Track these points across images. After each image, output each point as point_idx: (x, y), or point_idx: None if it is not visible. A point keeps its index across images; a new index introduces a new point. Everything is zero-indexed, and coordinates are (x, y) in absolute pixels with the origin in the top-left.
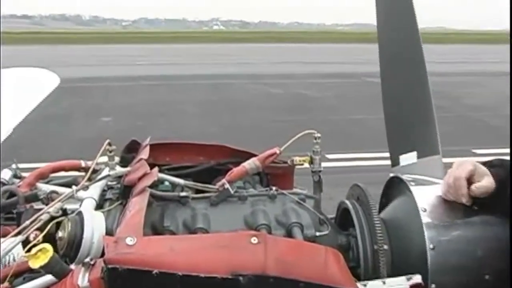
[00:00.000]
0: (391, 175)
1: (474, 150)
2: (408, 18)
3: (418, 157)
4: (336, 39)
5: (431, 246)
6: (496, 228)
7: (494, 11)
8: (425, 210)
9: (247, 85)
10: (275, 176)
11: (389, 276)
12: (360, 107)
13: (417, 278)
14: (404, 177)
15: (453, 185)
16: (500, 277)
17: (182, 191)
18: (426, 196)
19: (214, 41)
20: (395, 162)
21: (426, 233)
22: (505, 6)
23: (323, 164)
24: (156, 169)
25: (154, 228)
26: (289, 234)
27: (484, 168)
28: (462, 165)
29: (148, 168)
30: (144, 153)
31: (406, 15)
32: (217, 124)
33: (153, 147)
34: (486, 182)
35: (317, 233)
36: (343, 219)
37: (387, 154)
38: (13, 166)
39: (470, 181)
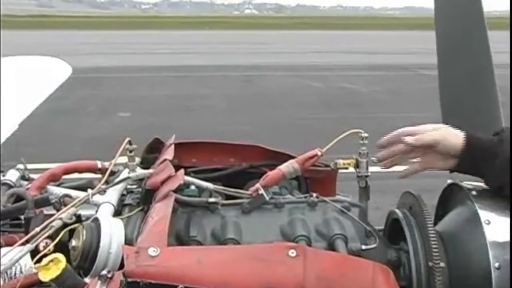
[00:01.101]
0: (449, 181)
1: None
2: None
3: None
4: (385, 25)
5: (496, 265)
6: None
7: None
8: (488, 223)
9: (282, 78)
10: (316, 181)
11: None
12: (413, 103)
13: None
14: (464, 184)
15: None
16: None
17: (210, 196)
18: (490, 207)
19: (245, 27)
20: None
21: (490, 250)
22: None
23: (370, 169)
24: (182, 171)
25: (179, 237)
26: (331, 247)
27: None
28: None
29: (173, 170)
30: (168, 154)
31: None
32: (249, 121)
33: (178, 146)
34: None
35: (363, 247)
36: (393, 232)
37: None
38: (21, 166)
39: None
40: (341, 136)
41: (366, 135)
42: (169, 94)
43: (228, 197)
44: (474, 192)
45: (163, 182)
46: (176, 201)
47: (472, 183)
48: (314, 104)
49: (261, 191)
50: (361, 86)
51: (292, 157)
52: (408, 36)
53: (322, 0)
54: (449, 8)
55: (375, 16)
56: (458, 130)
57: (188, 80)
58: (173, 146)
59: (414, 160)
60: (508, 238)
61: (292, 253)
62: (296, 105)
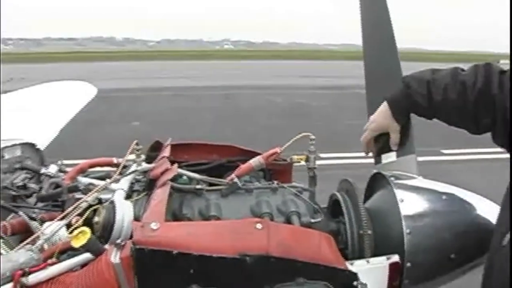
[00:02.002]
0: (374, 171)
1: (442, 151)
2: (388, 40)
3: (397, 156)
4: (328, 56)
5: (408, 231)
6: (458, 215)
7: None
8: (402, 201)
9: (253, 95)
10: (277, 172)
11: (372, 256)
12: (351, 114)
13: (395, 258)
14: (385, 173)
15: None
16: (462, 256)
17: (198, 184)
18: (403, 189)
19: (225, 58)
20: (377, 161)
21: (403, 220)
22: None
23: (318, 162)
24: (176, 165)
25: (174, 215)
26: (288, 221)
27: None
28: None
29: (169, 164)
30: (166, 152)
31: (386, 37)
32: (229, 127)
33: (173, 146)
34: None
35: (312, 220)
36: (334, 209)
37: (371, 154)
38: (59, 162)
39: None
40: (295, 138)
41: (313, 137)
42: (168, 108)
43: (211, 184)
44: (392, 178)
45: (162, 173)
46: (172, 188)
47: (392, 172)
48: (277, 115)
49: (236, 180)
50: (312, 101)
51: (258, 154)
52: (345, 64)
53: (281, 38)
54: (372, 45)
55: (320, 49)
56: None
57: (182, 98)
58: (169, 146)
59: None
60: (416, 210)
61: (259, 226)
62: (263, 115)
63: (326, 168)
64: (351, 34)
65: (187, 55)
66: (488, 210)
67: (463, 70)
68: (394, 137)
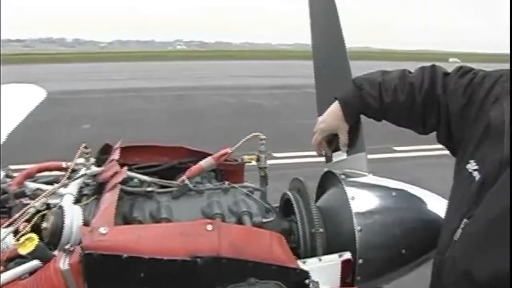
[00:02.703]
0: (325, 169)
1: (394, 148)
2: (337, 39)
3: (348, 155)
4: (280, 56)
5: (359, 228)
6: (408, 211)
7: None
8: (353, 199)
9: (206, 96)
10: (228, 172)
11: (325, 254)
12: (302, 113)
13: (347, 255)
14: (336, 171)
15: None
16: (413, 251)
17: (148, 186)
18: (354, 187)
19: (177, 58)
20: (328, 159)
21: (354, 218)
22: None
23: (271, 162)
24: (125, 168)
25: (125, 218)
26: (240, 221)
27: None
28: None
29: (118, 167)
30: (115, 155)
31: (335, 36)
32: (182, 128)
33: (123, 149)
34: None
35: (264, 220)
36: (286, 208)
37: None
38: (6, 168)
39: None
40: (246, 138)
41: (264, 137)
42: (120, 110)
43: (162, 186)
44: (343, 176)
45: (111, 177)
46: (123, 191)
47: (342, 170)
48: (230, 115)
49: (187, 181)
50: (265, 101)
51: (209, 155)
52: (297, 64)
53: (234, 38)
54: (322, 44)
55: (273, 49)
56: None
57: (134, 99)
58: (119, 149)
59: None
60: (367, 208)
61: (210, 227)
62: (216, 116)
63: (279, 167)
64: (304, 33)
65: (139, 56)
66: (438, 206)
67: (410, 72)
68: (344, 138)
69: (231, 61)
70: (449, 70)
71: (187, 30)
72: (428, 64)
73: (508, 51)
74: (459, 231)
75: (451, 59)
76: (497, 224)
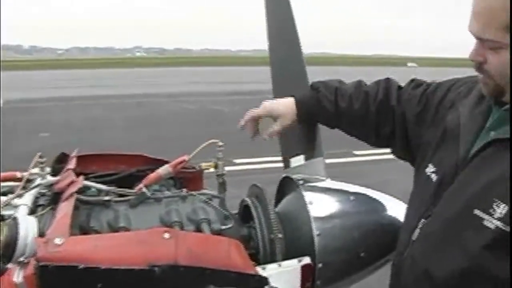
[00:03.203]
0: (284, 175)
1: (354, 152)
2: (293, 45)
3: (305, 160)
4: (240, 62)
5: (317, 232)
6: (366, 215)
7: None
8: (311, 203)
9: (166, 103)
10: (187, 179)
11: (284, 259)
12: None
13: (306, 260)
14: (294, 176)
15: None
16: (372, 254)
17: (106, 195)
18: (312, 191)
19: (137, 65)
20: (286, 165)
21: (312, 222)
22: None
23: (232, 168)
24: (81, 177)
25: (82, 228)
26: (198, 229)
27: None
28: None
29: (74, 176)
30: (71, 164)
31: (291, 43)
32: (142, 136)
33: (80, 158)
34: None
35: (222, 227)
36: (245, 214)
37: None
38: None
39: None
40: (203, 145)
41: (221, 143)
42: (80, 118)
43: (120, 195)
44: (301, 181)
45: (67, 186)
46: (79, 200)
47: (300, 175)
48: (191, 122)
49: (144, 189)
50: (225, 107)
51: (168, 162)
52: (257, 70)
53: (194, 44)
54: (278, 50)
55: (232, 55)
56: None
57: (93, 107)
58: (75, 158)
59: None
60: (325, 212)
61: (167, 235)
62: (177, 123)
63: (240, 173)
64: (263, 39)
65: (97, 63)
66: (396, 209)
67: (365, 84)
68: (277, 128)
69: (191, 68)
70: (408, 74)
71: (147, 37)
72: (386, 67)
73: (463, 56)
74: (417, 230)
75: (409, 64)
76: (454, 223)
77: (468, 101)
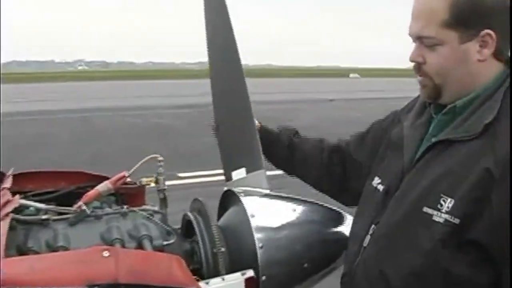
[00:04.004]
0: (225, 188)
1: None
2: (233, 57)
3: (247, 172)
4: (184, 75)
5: (260, 245)
6: (308, 226)
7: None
8: (253, 216)
9: (111, 117)
10: (129, 195)
11: (228, 273)
12: (208, 131)
13: (250, 273)
14: (236, 189)
15: None
16: (315, 264)
17: (45, 214)
18: (254, 204)
19: (80, 79)
20: (228, 178)
21: (255, 235)
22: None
23: (176, 182)
24: (17, 196)
25: (19, 249)
26: (140, 246)
27: None
28: None
29: (10, 196)
30: (7, 182)
31: (231, 55)
32: (86, 151)
33: (17, 176)
34: None
35: (164, 243)
36: (188, 229)
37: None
38: None
39: None
40: (143, 161)
41: (161, 158)
42: (22, 134)
43: (59, 213)
44: (243, 195)
45: (2, 206)
46: (16, 220)
47: (242, 188)
48: (136, 136)
49: (84, 207)
50: (170, 121)
51: (107, 178)
52: (202, 83)
53: (137, 58)
54: (218, 62)
55: (177, 68)
56: None
57: (35, 122)
58: (11, 177)
59: None
60: (267, 224)
61: (106, 253)
62: (122, 137)
63: (184, 187)
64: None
65: (38, 77)
66: (338, 219)
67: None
68: None
69: (134, 81)
70: (350, 85)
71: (89, 50)
72: (329, 78)
73: (404, 67)
74: (368, 237)
75: (351, 75)
76: (403, 223)
77: (411, 115)
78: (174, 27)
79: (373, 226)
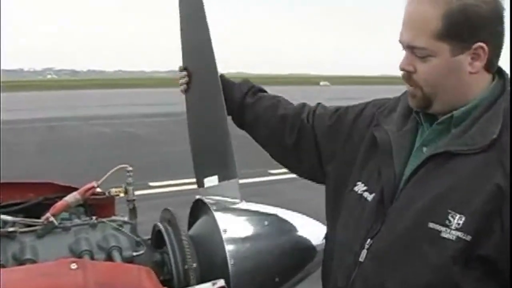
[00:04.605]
0: (197, 197)
1: (269, 171)
2: (209, 69)
3: (219, 180)
4: (155, 84)
5: (232, 262)
6: (279, 238)
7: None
8: (225, 231)
9: (79, 126)
10: (99, 206)
11: (199, 283)
12: (179, 140)
13: (221, 282)
14: (207, 200)
15: None
16: (285, 276)
17: (12, 226)
18: (225, 216)
19: (48, 88)
20: (200, 184)
21: (226, 248)
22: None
23: (147, 191)
24: None
25: None
26: (109, 257)
27: None
28: None
29: None
30: None
31: (207, 65)
32: (54, 161)
33: None
34: None
35: (134, 254)
36: (158, 239)
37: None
38: None
39: None
40: (112, 171)
41: (130, 168)
42: None
43: (27, 225)
44: (214, 207)
45: None
46: None
47: (213, 197)
48: (105, 145)
49: (52, 219)
50: (140, 130)
51: (76, 189)
52: (172, 91)
53: (107, 66)
54: (195, 72)
55: (147, 77)
56: None
57: (4, 132)
58: None
59: None
60: (239, 237)
61: (73, 266)
62: (90, 147)
63: (157, 196)
64: (178, 60)
65: (6, 86)
66: (311, 229)
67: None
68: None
69: (104, 90)
70: (321, 93)
71: (58, 59)
72: (300, 86)
73: (374, 74)
74: (364, 252)
75: (321, 83)
76: (407, 238)
77: (393, 120)
78: (145, 35)
79: (369, 240)
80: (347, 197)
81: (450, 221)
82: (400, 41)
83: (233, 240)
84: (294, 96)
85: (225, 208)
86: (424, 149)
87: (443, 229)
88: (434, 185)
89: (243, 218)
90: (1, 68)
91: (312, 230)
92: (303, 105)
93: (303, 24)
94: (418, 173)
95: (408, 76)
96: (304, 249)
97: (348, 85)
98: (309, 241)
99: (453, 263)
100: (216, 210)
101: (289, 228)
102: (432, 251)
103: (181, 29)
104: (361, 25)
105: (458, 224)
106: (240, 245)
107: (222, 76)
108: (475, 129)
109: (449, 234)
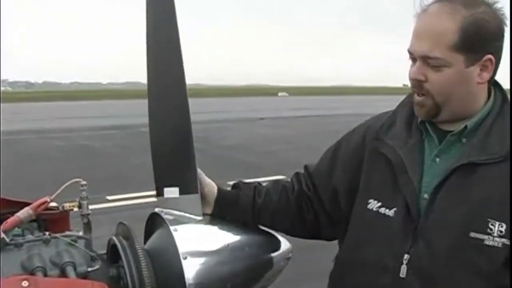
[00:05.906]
0: (156, 210)
1: (229, 182)
2: (176, 77)
3: (180, 193)
4: (112, 95)
5: (192, 283)
6: (242, 262)
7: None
8: (185, 258)
9: (34, 140)
10: (53, 221)
11: None
12: (136, 153)
13: None
14: (165, 216)
15: None
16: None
17: None
18: (184, 236)
19: (2, 101)
20: (159, 193)
21: (182, 261)
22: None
23: (105, 205)
24: None
25: None
26: (63, 273)
27: None
28: None
29: None
30: None
31: (174, 71)
32: (7, 176)
33: None
34: None
35: (89, 269)
36: (113, 253)
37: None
38: None
39: None
40: (65, 185)
41: (84, 182)
42: None
43: None
44: (173, 227)
45: None
46: None
47: (171, 212)
48: (60, 159)
49: (3, 235)
50: (96, 143)
51: (29, 204)
52: (129, 103)
53: (63, 77)
54: (158, 82)
55: (103, 89)
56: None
57: None
58: None
59: None
60: (199, 262)
61: (25, 283)
62: (46, 161)
63: (115, 210)
64: (136, 71)
65: None
66: (275, 245)
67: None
68: None
69: (59, 102)
70: (279, 103)
71: (12, 70)
72: (258, 97)
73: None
74: (404, 267)
75: (280, 93)
76: (452, 250)
77: (396, 134)
78: (101, 46)
79: (406, 255)
80: (362, 215)
81: (491, 229)
82: (412, 51)
83: (189, 254)
84: (254, 107)
85: (186, 225)
86: (438, 160)
87: (485, 237)
88: (467, 196)
89: (200, 232)
90: None
91: (268, 241)
92: (296, 175)
93: (262, 34)
94: (446, 185)
95: (419, 85)
96: (260, 260)
97: (305, 95)
98: (270, 256)
99: (503, 268)
100: (175, 233)
101: (253, 251)
102: (482, 259)
103: (148, 32)
104: (319, 37)
105: (501, 231)
106: (196, 258)
107: (219, 189)
108: (493, 139)
109: (493, 241)
